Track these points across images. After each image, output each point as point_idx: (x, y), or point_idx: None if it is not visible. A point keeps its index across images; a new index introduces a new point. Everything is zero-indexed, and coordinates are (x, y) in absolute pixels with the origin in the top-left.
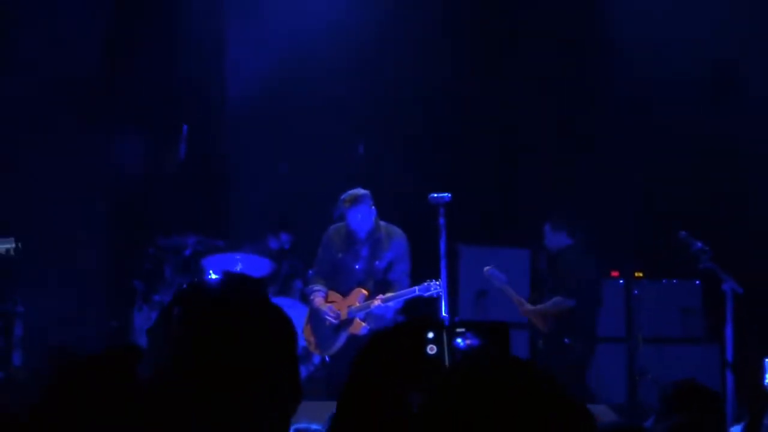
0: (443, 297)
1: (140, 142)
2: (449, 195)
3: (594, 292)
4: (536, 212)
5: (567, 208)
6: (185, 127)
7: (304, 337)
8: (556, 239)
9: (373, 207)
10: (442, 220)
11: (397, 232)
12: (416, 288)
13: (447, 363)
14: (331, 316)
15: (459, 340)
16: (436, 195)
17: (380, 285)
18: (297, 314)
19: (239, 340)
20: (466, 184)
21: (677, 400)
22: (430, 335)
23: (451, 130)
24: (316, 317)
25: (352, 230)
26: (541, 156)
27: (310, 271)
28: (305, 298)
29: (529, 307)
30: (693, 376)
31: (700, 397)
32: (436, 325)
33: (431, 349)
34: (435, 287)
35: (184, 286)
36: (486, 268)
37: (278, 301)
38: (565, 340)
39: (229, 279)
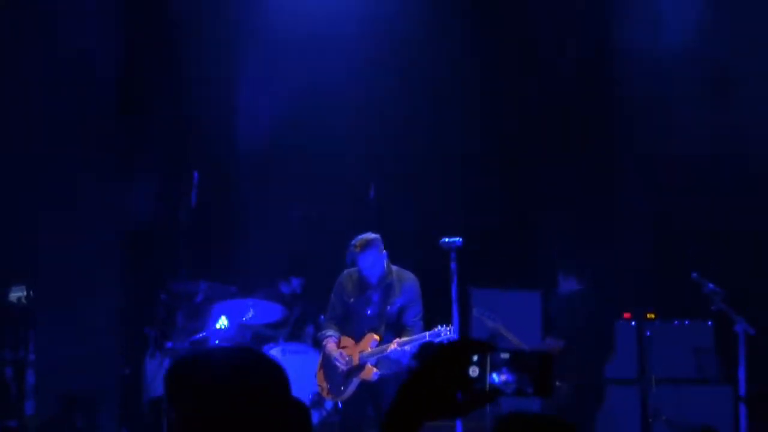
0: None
1: (152, 189)
2: (460, 239)
3: (598, 335)
4: (548, 254)
5: (578, 252)
6: (196, 173)
7: (317, 382)
8: (566, 284)
9: (384, 251)
10: (453, 265)
11: (409, 276)
12: (426, 334)
13: (487, 387)
14: (341, 362)
15: (494, 376)
16: (447, 239)
17: (392, 330)
18: (309, 360)
19: (247, 413)
20: (477, 228)
21: None
22: (474, 357)
23: (462, 174)
24: (328, 363)
25: (363, 275)
26: (553, 199)
27: (322, 317)
28: (317, 344)
29: (523, 347)
30: (709, 423)
31: None
32: (483, 347)
33: (473, 372)
34: (446, 333)
35: (169, 373)
36: (475, 311)
37: (290, 346)
38: (556, 382)
39: (214, 355)
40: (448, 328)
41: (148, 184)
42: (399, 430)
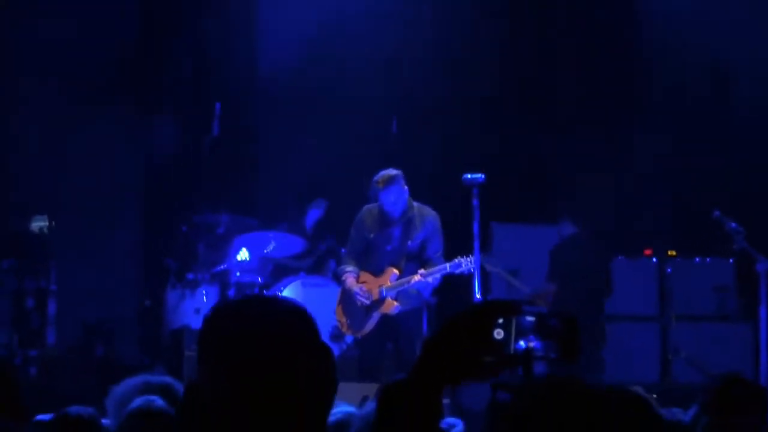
0: (476, 275)
1: (173, 121)
2: (483, 176)
3: (590, 279)
4: (571, 190)
5: (588, 193)
6: (218, 105)
7: (336, 317)
8: (564, 229)
9: (406, 187)
10: (475, 201)
11: (429, 212)
12: (447, 264)
13: (510, 350)
14: (362, 297)
15: (520, 341)
16: (470, 176)
17: (412, 265)
18: (329, 293)
19: (268, 362)
20: (500, 163)
21: (724, 396)
22: (500, 320)
23: (486, 108)
24: (347, 298)
25: (384, 211)
26: (575, 134)
27: (342, 251)
28: (338, 278)
29: (525, 290)
30: (738, 371)
31: (748, 394)
32: (509, 309)
33: (498, 334)
34: (467, 264)
35: (208, 314)
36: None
37: (311, 279)
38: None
39: (244, 304)
40: (468, 259)
41: (171, 117)
42: (425, 390)
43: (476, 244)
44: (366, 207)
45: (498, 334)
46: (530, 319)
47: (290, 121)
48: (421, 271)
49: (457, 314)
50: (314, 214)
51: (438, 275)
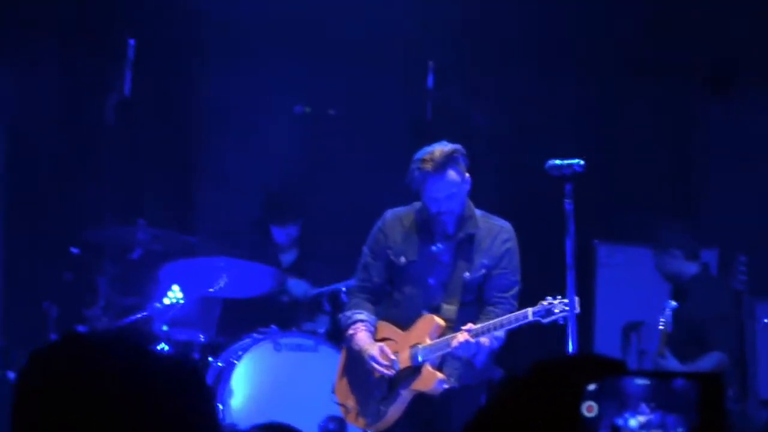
0: (570, 325)
1: (57, 69)
2: (581, 162)
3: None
4: (720, 193)
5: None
6: (131, 42)
7: (337, 398)
8: (675, 263)
9: (468, 176)
10: (569, 204)
11: (502, 227)
12: (529, 310)
13: None
14: (382, 364)
15: (631, 420)
16: (558, 162)
17: (470, 311)
18: (320, 360)
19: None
20: (606, 148)
21: None
22: (592, 387)
23: (580, 62)
24: (356, 365)
25: (429, 217)
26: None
27: (344, 285)
28: (337, 334)
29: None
30: None
31: None
32: (605, 369)
33: (589, 410)
34: (561, 308)
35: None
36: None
37: (288, 337)
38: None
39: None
40: (561, 302)
41: (51, 60)
42: None
43: (570, 274)
44: (391, 212)
45: (589, 409)
46: (642, 382)
47: (254, 71)
48: (469, 326)
49: (520, 378)
50: (291, 230)
51: (504, 329)
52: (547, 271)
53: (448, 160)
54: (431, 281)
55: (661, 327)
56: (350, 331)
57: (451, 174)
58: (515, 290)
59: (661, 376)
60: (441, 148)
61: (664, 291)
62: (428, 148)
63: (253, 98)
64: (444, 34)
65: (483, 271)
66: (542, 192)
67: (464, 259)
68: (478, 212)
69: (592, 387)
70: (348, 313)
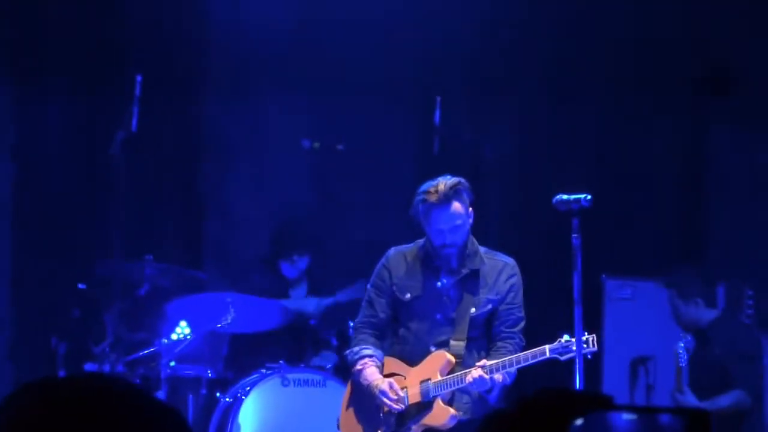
0: (578, 362)
1: (65, 105)
2: (589, 197)
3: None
4: (728, 228)
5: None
6: (139, 78)
7: None
8: (685, 312)
9: (472, 210)
10: (576, 239)
11: (506, 263)
12: (546, 347)
13: None
14: (392, 399)
15: None
16: (565, 197)
17: (476, 346)
18: (328, 395)
19: None
20: (614, 182)
21: None
22: (578, 422)
23: (588, 96)
24: (363, 400)
25: (433, 250)
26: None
27: (351, 323)
28: (344, 369)
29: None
30: None
31: None
32: (591, 403)
33: None
34: (581, 347)
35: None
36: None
37: (297, 372)
38: None
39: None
40: (587, 339)
41: (59, 98)
42: None
43: (578, 311)
44: (395, 249)
45: None
46: (629, 417)
47: (261, 109)
48: (484, 362)
49: (507, 412)
50: (299, 264)
51: (519, 366)
52: (554, 306)
53: (453, 192)
54: (438, 316)
55: (680, 364)
56: (358, 367)
57: (456, 206)
58: (522, 325)
59: (647, 411)
60: (445, 181)
61: (673, 326)
62: (432, 181)
63: (261, 133)
64: (452, 69)
65: (489, 306)
66: (550, 227)
67: (470, 294)
68: (482, 249)
69: (578, 422)
70: (355, 349)
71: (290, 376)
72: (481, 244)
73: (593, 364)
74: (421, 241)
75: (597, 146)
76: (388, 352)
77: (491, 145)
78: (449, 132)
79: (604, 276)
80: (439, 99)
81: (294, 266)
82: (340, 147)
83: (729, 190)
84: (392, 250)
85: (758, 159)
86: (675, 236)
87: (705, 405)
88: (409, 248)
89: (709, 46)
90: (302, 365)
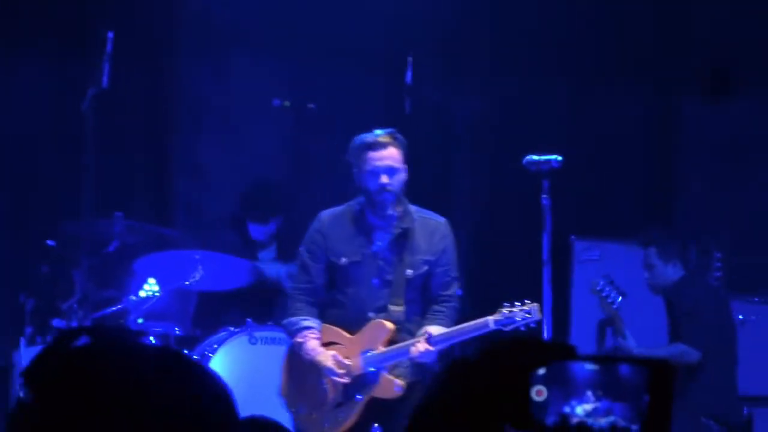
0: (546, 326)
1: (35, 61)
2: (559, 158)
3: (719, 343)
4: (698, 190)
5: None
6: (110, 35)
7: (286, 403)
8: (662, 273)
9: (405, 167)
10: (545, 200)
11: (439, 223)
12: (489, 319)
13: (554, 420)
14: (338, 374)
15: (573, 403)
16: (536, 158)
17: (413, 310)
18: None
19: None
20: (584, 144)
21: None
22: (541, 371)
23: (560, 59)
24: (305, 372)
25: (371, 198)
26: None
27: (290, 290)
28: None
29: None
30: None
31: None
32: (554, 353)
33: (539, 394)
34: (522, 316)
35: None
36: (594, 283)
37: (264, 330)
38: (702, 418)
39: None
40: (529, 308)
41: (25, 56)
42: None
43: (546, 271)
44: (327, 212)
45: (538, 393)
46: (591, 367)
47: (232, 67)
48: (427, 333)
49: (469, 360)
50: (269, 227)
51: (460, 339)
52: (523, 267)
53: (389, 137)
54: (375, 281)
55: (613, 307)
56: (299, 339)
57: (392, 149)
58: (456, 286)
59: (610, 361)
60: (381, 130)
61: (640, 286)
62: (365, 135)
63: (232, 92)
64: (424, 29)
65: (426, 268)
66: (520, 187)
67: (404, 256)
68: (412, 207)
69: (541, 371)
70: (293, 320)
71: (257, 334)
72: (451, 203)
73: (561, 325)
74: (352, 202)
75: (568, 107)
76: (325, 317)
77: (462, 106)
78: (421, 92)
79: (573, 237)
80: (410, 59)
81: (263, 229)
82: (311, 106)
83: (699, 153)
84: (324, 213)
85: (728, 121)
86: (644, 199)
87: (641, 352)
88: (341, 210)
89: (677, 12)
90: (270, 323)
